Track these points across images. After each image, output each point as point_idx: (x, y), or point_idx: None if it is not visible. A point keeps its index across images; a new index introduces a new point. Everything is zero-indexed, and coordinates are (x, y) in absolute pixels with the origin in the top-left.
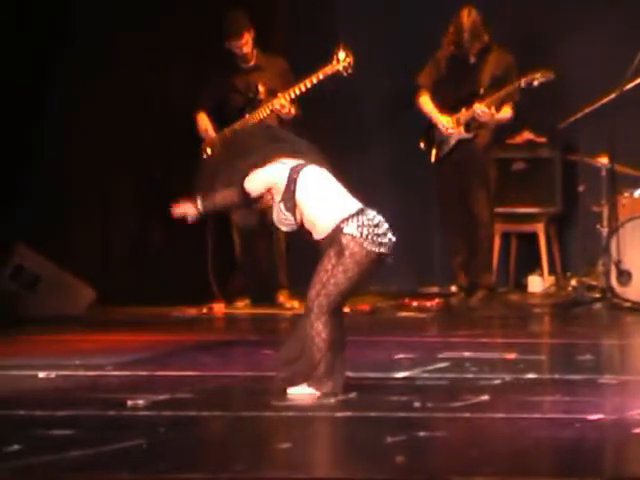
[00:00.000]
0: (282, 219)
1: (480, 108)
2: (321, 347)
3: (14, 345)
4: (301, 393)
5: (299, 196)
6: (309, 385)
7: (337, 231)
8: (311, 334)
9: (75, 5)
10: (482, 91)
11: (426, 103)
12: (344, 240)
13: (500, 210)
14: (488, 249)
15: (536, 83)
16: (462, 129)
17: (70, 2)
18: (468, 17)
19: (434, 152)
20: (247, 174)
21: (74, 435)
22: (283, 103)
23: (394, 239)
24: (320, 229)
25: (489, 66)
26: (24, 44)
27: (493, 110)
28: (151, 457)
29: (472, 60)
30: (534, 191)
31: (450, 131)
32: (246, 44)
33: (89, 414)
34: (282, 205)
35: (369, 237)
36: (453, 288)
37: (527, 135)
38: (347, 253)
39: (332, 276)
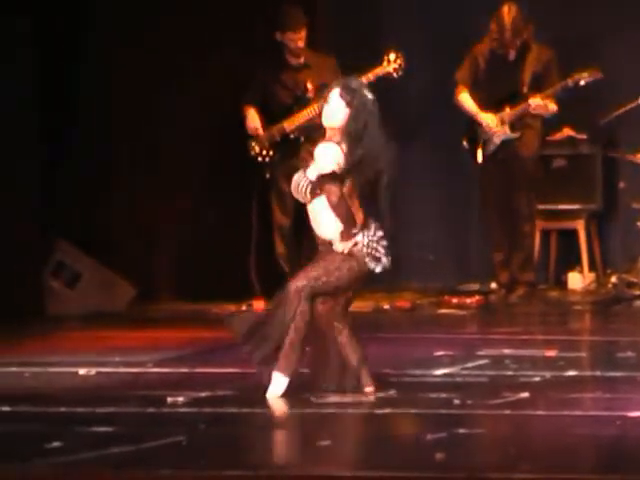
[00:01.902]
0: (300, 187)
1: (535, 102)
2: (300, 327)
3: (54, 342)
4: (277, 389)
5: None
6: (278, 369)
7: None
8: (293, 314)
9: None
10: (525, 89)
11: (466, 100)
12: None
13: (540, 207)
14: (530, 246)
15: (583, 82)
16: (507, 128)
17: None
18: (509, 13)
19: (479, 151)
20: None
21: (114, 432)
22: None
23: (389, 261)
24: (323, 231)
25: (530, 63)
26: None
27: (548, 103)
28: (191, 454)
29: (512, 57)
30: (574, 188)
31: (495, 130)
32: (302, 39)
33: (129, 411)
34: (309, 178)
35: (370, 254)
36: (493, 285)
37: (568, 132)
38: (346, 266)
39: (325, 275)
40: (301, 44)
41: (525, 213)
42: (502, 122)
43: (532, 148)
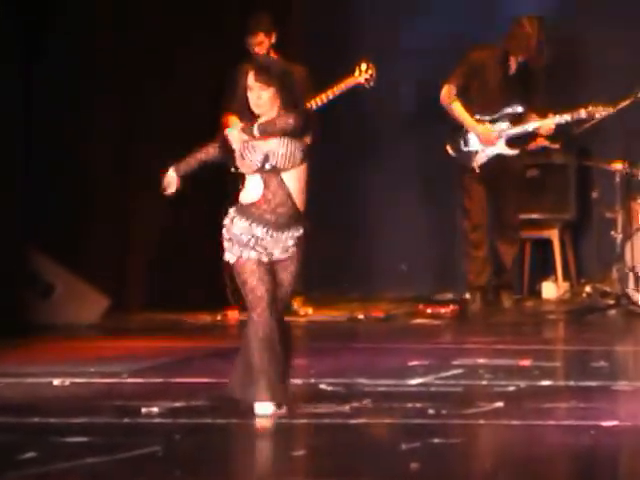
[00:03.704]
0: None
1: (546, 126)
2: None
3: (29, 353)
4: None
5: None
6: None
7: None
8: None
9: None
10: (524, 107)
11: (459, 108)
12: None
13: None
14: (515, 252)
15: (598, 116)
16: (504, 143)
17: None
18: (534, 26)
19: (468, 161)
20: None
21: (89, 442)
22: None
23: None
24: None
25: (533, 81)
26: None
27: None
28: (166, 464)
29: (512, 71)
30: (548, 197)
31: (492, 143)
32: (260, 44)
33: (104, 421)
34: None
35: None
36: (467, 295)
37: (541, 141)
38: None
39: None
40: (259, 50)
41: (515, 222)
42: (499, 137)
43: (520, 158)
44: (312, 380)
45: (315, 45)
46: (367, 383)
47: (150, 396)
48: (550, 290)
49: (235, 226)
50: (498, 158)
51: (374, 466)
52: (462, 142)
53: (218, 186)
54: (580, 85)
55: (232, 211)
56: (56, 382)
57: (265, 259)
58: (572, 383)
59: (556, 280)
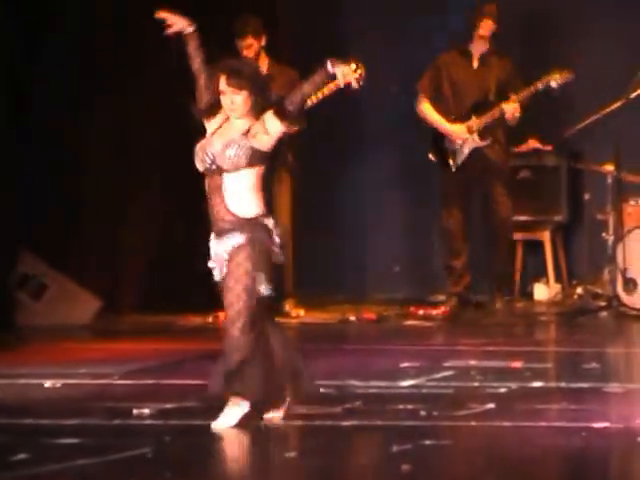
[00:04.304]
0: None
1: (509, 107)
2: None
3: (20, 354)
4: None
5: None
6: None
7: None
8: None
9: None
10: (492, 97)
11: (429, 111)
12: None
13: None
14: (511, 253)
15: (554, 84)
16: (476, 137)
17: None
18: (491, 16)
19: (449, 162)
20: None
21: (80, 444)
22: None
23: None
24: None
25: (494, 71)
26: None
27: (518, 108)
28: (157, 466)
29: (475, 65)
30: (540, 199)
31: (464, 139)
32: (249, 47)
33: (95, 423)
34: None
35: None
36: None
37: (533, 143)
38: None
39: None
40: (248, 53)
41: (508, 221)
42: (470, 131)
43: (503, 156)
44: None
45: (304, 46)
46: (359, 385)
47: (141, 397)
48: (541, 292)
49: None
50: (477, 155)
51: (366, 468)
52: (439, 146)
53: None
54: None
55: None
56: (47, 384)
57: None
58: (563, 385)
59: (547, 282)
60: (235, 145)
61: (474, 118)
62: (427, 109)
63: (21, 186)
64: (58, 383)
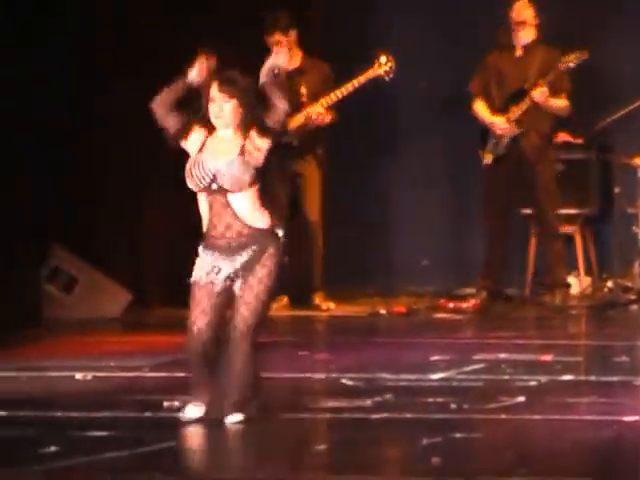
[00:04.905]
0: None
1: (536, 93)
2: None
3: (51, 347)
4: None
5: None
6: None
7: None
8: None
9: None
10: (527, 86)
11: (480, 108)
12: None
13: (535, 212)
14: (559, 246)
15: (572, 65)
16: (514, 126)
17: None
18: (523, 8)
19: (490, 154)
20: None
21: (110, 436)
22: (319, 111)
23: None
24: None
25: (535, 61)
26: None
27: (549, 95)
28: (189, 458)
29: (518, 54)
30: (570, 192)
31: (504, 129)
32: (277, 43)
33: (125, 415)
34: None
35: None
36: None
37: (563, 136)
38: None
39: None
40: (277, 49)
41: (550, 214)
42: (509, 121)
43: (542, 146)
44: (334, 375)
45: (334, 38)
46: (389, 378)
47: (171, 390)
48: (572, 285)
49: (199, 258)
50: (516, 145)
51: (395, 461)
52: (486, 140)
53: None
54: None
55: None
56: (78, 376)
57: (217, 288)
58: (593, 378)
59: (578, 275)
60: (237, 166)
61: (512, 108)
62: (478, 107)
63: (52, 180)
64: (88, 376)
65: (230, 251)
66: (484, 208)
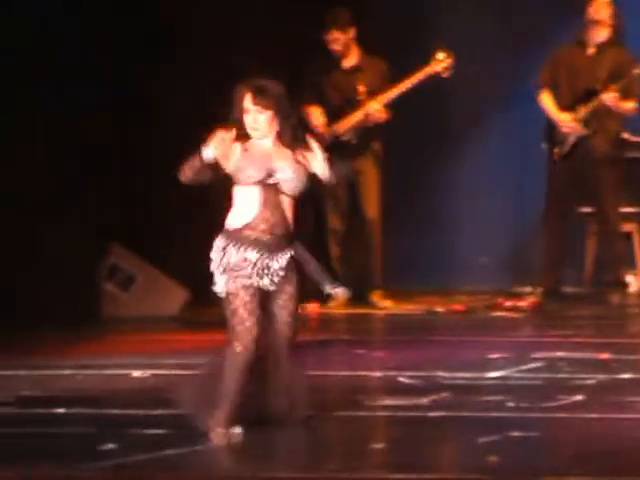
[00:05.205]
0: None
1: (607, 96)
2: None
3: (108, 344)
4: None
5: None
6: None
7: None
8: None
9: None
10: (599, 86)
11: (546, 101)
12: None
13: (595, 210)
14: (619, 245)
15: None
16: (581, 126)
17: None
18: (604, 7)
19: (556, 151)
20: None
21: (168, 434)
22: (377, 108)
23: None
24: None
25: (607, 61)
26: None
27: (620, 98)
28: (244, 456)
29: (590, 53)
30: (628, 190)
31: (570, 128)
32: (335, 41)
33: (182, 413)
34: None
35: None
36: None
37: (623, 134)
38: None
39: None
40: (336, 47)
41: (611, 212)
42: (576, 120)
43: (608, 147)
44: (391, 373)
45: (392, 35)
46: (446, 376)
47: None
48: (631, 283)
49: (228, 255)
50: (582, 144)
51: (452, 459)
52: (551, 135)
53: None
54: None
55: (221, 241)
56: (135, 374)
57: (258, 286)
58: None
59: (637, 273)
60: (291, 170)
61: (581, 107)
62: (544, 100)
63: (111, 178)
64: (146, 373)
65: (270, 249)
66: (546, 207)
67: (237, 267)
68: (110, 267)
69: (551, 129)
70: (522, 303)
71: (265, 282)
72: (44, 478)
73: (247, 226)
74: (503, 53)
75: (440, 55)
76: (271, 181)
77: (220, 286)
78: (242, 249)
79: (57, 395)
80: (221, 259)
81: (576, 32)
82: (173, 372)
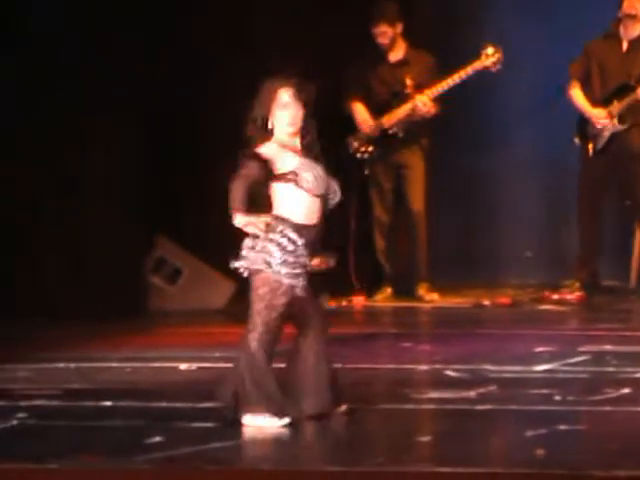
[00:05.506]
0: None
1: None
2: None
3: (155, 337)
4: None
5: None
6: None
7: None
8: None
9: None
10: (633, 81)
11: (578, 96)
12: None
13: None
14: None
15: None
16: (616, 121)
17: None
18: (638, 2)
19: (590, 146)
20: None
21: (214, 427)
22: (425, 101)
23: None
24: None
25: None
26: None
27: None
28: (293, 449)
29: (625, 48)
30: None
31: (604, 123)
32: (382, 35)
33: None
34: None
35: None
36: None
37: None
38: None
39: None
40: (383, 40)
41: None
42: (611, 115)
43: (639, 143)
44: (438, 366)
45: (441, 29)
46: (493, 369)
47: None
48: None
49: (293, 249)
50: (617, 140)
51: (499, 452)
52: (583, 130)
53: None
54: None
55: (281, 225)
56: (182, 367)
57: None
58: None
59: None
60: (333, 184)
61: (615, 102)
62: (575, 94)
63: (158, 171)
64: (193, 366)
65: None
66: (579, 202)
67: (294, 264)
68: (157, 260)
69: (584, 124)
70: (569, 296)
71: (301, 284)
72: (92, 471)
73: (306, 227)
74: (552, 46)
75: (489, 49)
76: (325, 194)
77: (275, 271)
78: (299, 244)
79: (105, 388)
80: (285, 249)
81: (608, 26)
82: (219, 365)
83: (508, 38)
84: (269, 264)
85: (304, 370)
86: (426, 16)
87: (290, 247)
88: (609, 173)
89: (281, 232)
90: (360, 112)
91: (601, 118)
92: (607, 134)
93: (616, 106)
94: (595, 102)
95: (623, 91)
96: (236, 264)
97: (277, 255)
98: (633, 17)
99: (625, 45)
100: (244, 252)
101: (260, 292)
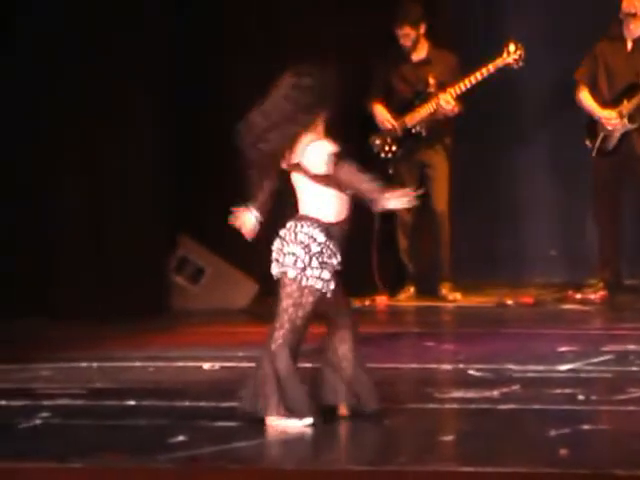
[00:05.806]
0: None
1: None
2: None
3: (179, 337)
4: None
5: None
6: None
7: None
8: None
9: None
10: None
11: (586, 99)
12: None
13: None
14: None
15: None
16: (626, 121)
17: None
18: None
19: (598, 147)
20: None
21: (237, 427)
22: (449, 100)
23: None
24: None
25: None
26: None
27: None
28: (314, 449)
29: (629, 47)
30: None
31: (614, 124)
32: (406, 36)
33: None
34: None
35: None
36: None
37: None
38: None
39: None
40: (404, 41)
41: None
42: (621, 115)
43: None
44: (461, 365)
45: (463, 26)
46: (516, 369)
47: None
48: None
49: (326, 252)
50: (628, 140)
51: (522, 452)
52: (593, 132)
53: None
54: None
55: (320, 234)
56: (206, 366)
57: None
58: None
59: None
60: None
61: (625, 102)
62: (584, 97)
63: (182, 170)
64: (216, 366)
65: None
66: (593, 203)
67: (324, 265)
68: (179, 260)
69: (592, 125)
70: (592, 295)
71: (331, 286)
72: (115, 470)
73: (337, 224)
74: (574, 44)
75: (512, 47)
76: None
77: (311, 279)
78: (334, 251)
79: (128, 387)
80: (315, 253)
81: (609, 27)
82: (242, 364)
83: (529, 36)
84: (298, 267)
85: (340, 368)
86: (448, 16)
87: (317, 249)
88: (622, 173)
89: (308, 234)
90: (381, 112)
91: (611, 119)
92: (617, 135)
93: (626, 106)
94: (604, 103)
95: (632, 90)
96: (273, 272)
97: (305, 258)
98: (633, 15)
99: (630, 44)
100: (274, 255)
101: (288, 290)
